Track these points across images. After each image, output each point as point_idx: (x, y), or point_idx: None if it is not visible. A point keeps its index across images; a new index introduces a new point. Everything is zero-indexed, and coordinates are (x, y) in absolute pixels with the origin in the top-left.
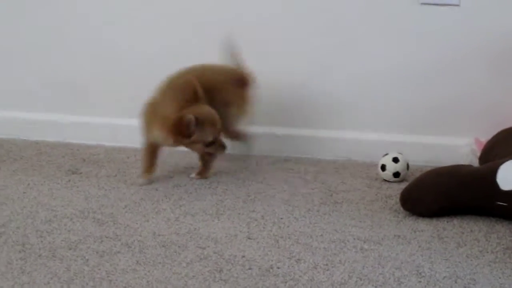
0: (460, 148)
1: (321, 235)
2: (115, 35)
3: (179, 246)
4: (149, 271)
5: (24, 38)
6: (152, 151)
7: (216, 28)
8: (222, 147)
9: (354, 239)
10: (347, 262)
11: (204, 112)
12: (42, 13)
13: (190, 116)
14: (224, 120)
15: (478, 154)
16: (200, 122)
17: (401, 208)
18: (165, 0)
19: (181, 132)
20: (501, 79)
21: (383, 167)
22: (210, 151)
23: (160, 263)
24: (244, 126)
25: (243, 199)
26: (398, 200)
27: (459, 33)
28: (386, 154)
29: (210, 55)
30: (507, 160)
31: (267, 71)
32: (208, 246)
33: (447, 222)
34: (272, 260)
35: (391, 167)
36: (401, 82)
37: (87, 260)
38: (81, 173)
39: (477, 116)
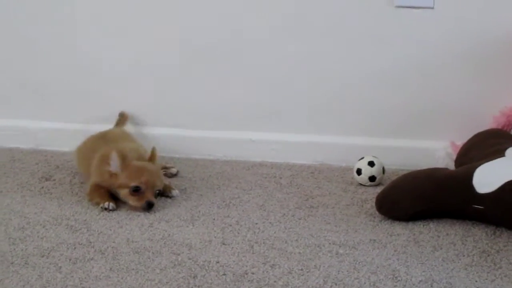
0: (436, 151)
1: (296, 240)
2: (88, 42)
3: (153, 253)
4: (122, 278)
5: None
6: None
7: (188, 42)
8: (147, 203)
9: (330, 243)
10: (322, 267)
11: (141, 162)
12: (15, 19)
13: (113, 152)
14: None
15: (454, 157)
16: (128, 165)
17: (377, 212)
18: (137, 9)
19: (104, 167)
20: (476, 82)
21: (359, 171)
22: (131, 202)
23: (133, 269)
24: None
25: (218, 205)
26: (373, 204)
27: (433, 35)
28: (362, 158)
29: (186, 67)
30: (483, 163)
31: (242, 76)
32: (182, 252)
33: (423, 225)
34: (246, 266)
35: (367, 171)
36: (376, 85)
37: (60, 267)
38: (54, 179)
39: (453, 120)
